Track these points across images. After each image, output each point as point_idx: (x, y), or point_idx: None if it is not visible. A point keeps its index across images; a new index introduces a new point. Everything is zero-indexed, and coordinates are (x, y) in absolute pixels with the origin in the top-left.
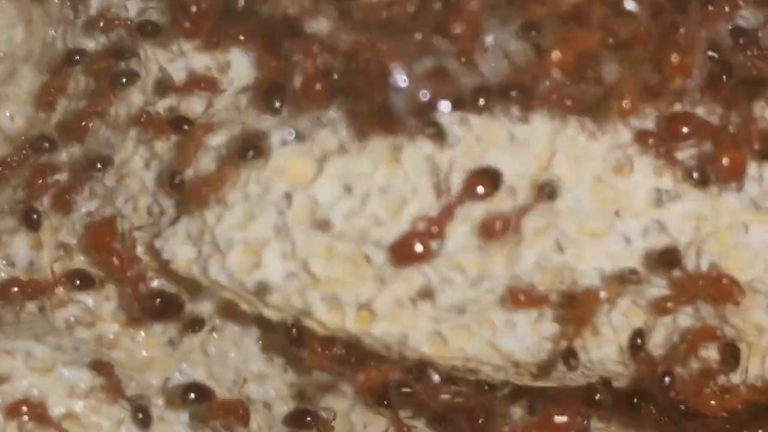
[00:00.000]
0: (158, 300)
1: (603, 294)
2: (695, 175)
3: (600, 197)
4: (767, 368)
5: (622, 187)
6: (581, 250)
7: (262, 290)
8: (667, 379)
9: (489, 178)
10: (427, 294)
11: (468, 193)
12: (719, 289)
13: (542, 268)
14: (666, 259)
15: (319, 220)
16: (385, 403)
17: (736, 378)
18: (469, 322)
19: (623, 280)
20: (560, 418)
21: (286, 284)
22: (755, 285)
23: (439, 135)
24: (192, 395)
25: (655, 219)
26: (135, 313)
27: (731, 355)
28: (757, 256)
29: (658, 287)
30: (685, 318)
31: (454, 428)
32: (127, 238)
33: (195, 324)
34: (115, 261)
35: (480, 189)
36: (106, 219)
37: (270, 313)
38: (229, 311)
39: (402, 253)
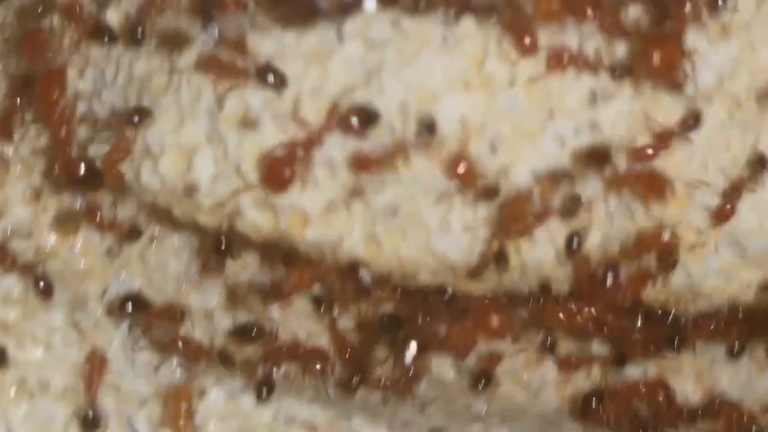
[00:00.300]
0: (82, 166)
1: (536, 194)
2: (620, 71)
3: (533, 98)
4: (706, 268)
5: (556, 88)
6: (515, 151)
7: (193, 193)
8: (609, 276)
9: (365, 116)
10: (358, 194)
11: (339, 124)
12: (651, 186)
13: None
14: (598, 157)
15: (250, 122)
16: (322, 309)
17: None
18: (403, 225)
19: (556, 179)
20: (495, 320)
21: (218, 187)
22: (692, 184)
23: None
24: (129, 305)
25: (588, 119)
26: (56, 176)
27: (669, 256)
28: (693, 155)
29: (592, 187)
30: (620, 219)
31: (390, 333)
32: (72, 102)
33: (132, 234)
34: (55, 112)
35: (354, 121)
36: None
37: (204, 219)
38: (169, 221)
39: (270, 179)
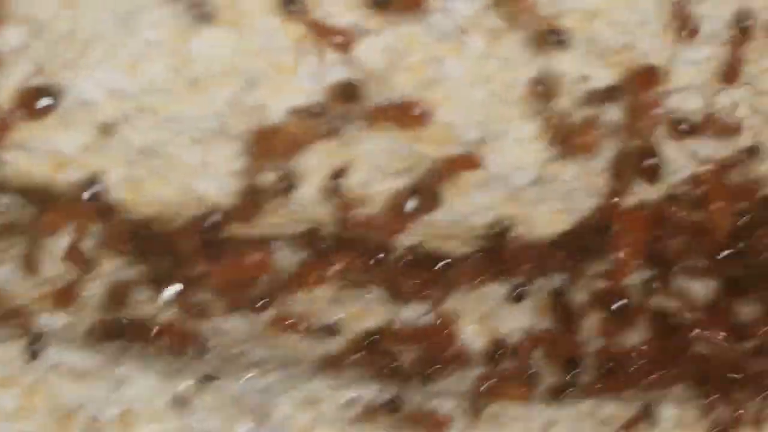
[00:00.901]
0: None
1: (291, 129)
2: (376, 6)
3: (290, 33)
4: (472, 206)
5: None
6: (271, 87)
7: None
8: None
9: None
10: (109, 132)
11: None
12: (407, 116)
13: (234, 107)
14: (350, 92)
15: None
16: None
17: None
18: (162, 165)
19: (313, 114)
20: (251, 258)
21: None
22: (453, 121)
23: None
24: None
25: (346, 54)
26: None
27: (432, 194)
28: (453, 90)
29: (353, 122)
30: (383, 156)
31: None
32: None
33: None
34: None
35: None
36: None
37: None
38: None
39: None
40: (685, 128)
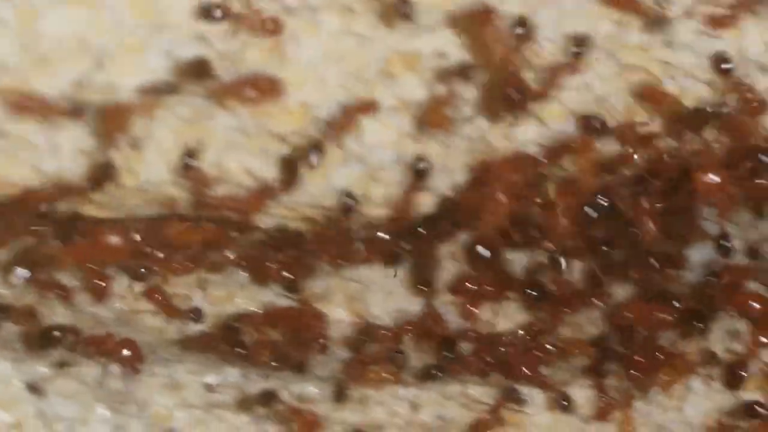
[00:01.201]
0: None
1: (137, 106)
2: None
3: (139, 11)
4: (330, 185)
5: (162, 2)
6: (120, 66)
7: None
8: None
9: None
10: None
11: None
12: (258, 91)
13: (83, 86)
14: (199, 70)
15: None
16: None
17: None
18: (10, 147)
19: (159, 92)
20: (114, 239)
21: None
22: (307, 99)
23: None
24: None
25: (194, 31)
26: None
27: (290, 173)
28: (308, 67)
29: (204, 100)
30: (235, 134)
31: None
32: None
33: None
34: None
35: None
36: None
37: None
38: None
39: None
40: None
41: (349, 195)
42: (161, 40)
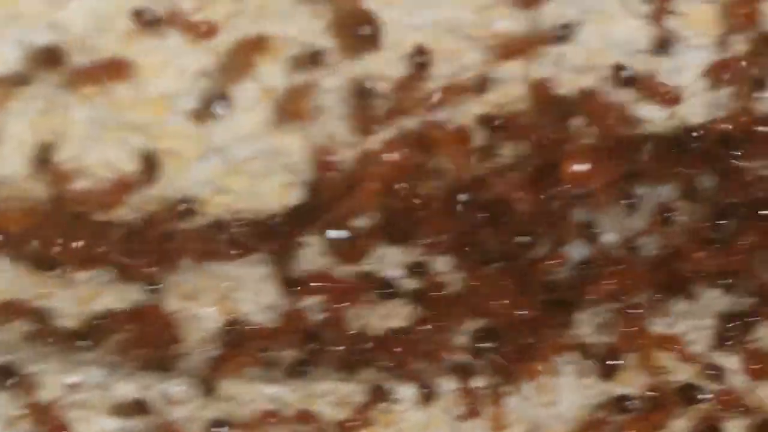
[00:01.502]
0: None
1: None
2: None
3: None
4: (190, 179)
5: None
6: None
7: None
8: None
9: None
10: None
11: None
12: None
13: None
14: (51, 57)
15: None
16: None
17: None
18: None
19: (12, 83)
20: None
21: None
22: (168, 89)
23: None
24: None
25: (50, 19)
26: None
27: (148, 165)
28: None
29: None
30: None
31: None
32: None
33: None
34: None
35: None
36: None
37: None
38: None
39: None
40: None
41: (185, 200)
42: (16, 29)
